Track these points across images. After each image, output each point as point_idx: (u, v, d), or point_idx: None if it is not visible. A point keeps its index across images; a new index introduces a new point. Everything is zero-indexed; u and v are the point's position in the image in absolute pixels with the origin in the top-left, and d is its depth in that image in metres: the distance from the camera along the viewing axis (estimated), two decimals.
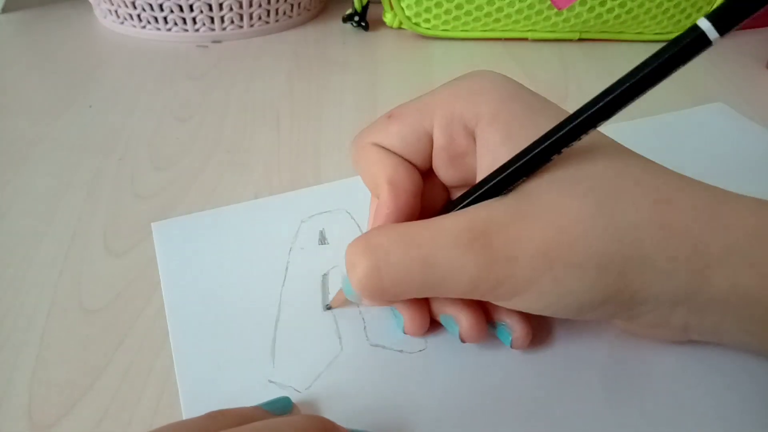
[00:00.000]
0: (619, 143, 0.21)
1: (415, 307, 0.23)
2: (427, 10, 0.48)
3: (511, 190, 0.20)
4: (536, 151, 0.19)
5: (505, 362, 0.23)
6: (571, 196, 0.18)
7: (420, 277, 0.19)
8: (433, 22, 0.49)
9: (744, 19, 0.16)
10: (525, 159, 0.19)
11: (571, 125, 0.18)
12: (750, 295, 0.18)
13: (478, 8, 0.47)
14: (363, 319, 0.25)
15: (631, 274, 0.18)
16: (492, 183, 0.20)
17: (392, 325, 0.24)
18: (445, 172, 0.23)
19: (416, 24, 0.50)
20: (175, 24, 0.50)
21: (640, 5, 0.46)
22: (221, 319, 0.24)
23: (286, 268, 0.27)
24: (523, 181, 0.19)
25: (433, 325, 0.23)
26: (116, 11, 0.51)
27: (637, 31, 0.49)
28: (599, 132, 0.20)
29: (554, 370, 0.22)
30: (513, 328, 0.22)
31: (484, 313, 0.22)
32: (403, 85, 0.44)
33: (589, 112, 0.18)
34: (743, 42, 0.50)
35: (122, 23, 0.51)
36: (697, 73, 0.45)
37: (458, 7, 0.47)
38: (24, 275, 0.27)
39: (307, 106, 0.41)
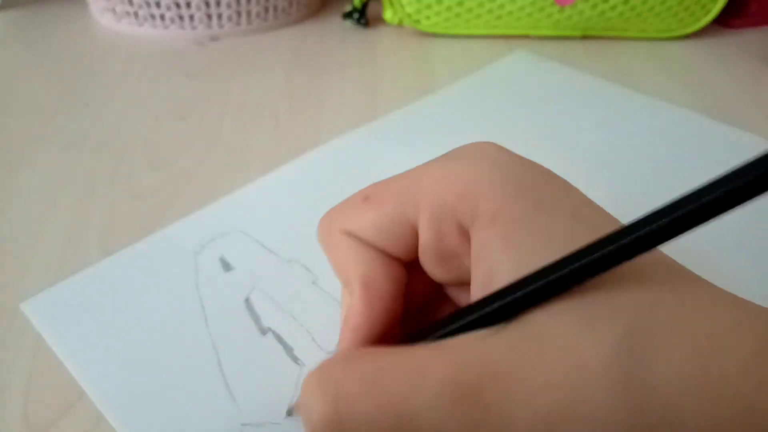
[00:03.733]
0: (664, 257, 0.16)
1: None
2: (428, 6, 0.48)
3: (510, 319, 0.16)
4: (553, 277, 0.14)
5: None
6: (587, 337, 0.14)
7: (386, 420, 0.15)
8: (434, 18, 0.49)
9: None
10: (535, 285, 0.15)
11: (608, 249, 0.13)
12: None
13: (480, 5, 0.47)
14: (307, 330, 0.24)
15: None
16: (488, 311, 0.16)
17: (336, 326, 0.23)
18: (434, 270, 0.18)
19: (417, 21, 0.49)
20: (173, 21, 0.49)
21: (644, 2, 0.46)
22: (157, 383, 0.22)
23: (202, 306, 0.24)
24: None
25: None
26: (113, 9, 0.50)
27: (640, 28, 0.49)
28: None
29: None
30: None
31: None
32: (404, 83, 0.44)
33: (642, 232, 0.13)
34: (747, 40, 0.50)
35: (119, 21, 0.51)
36: (698, 72, 0.45)
37: (459, 3, 0.47)
38: (20, 275, 0.27)
39: (306, 105, 0.41)
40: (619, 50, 0.48)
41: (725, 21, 0.51)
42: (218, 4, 0.49)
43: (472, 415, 0.15)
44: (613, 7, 0.46)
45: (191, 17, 0.49)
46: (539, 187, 0.17)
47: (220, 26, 0.50)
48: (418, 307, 0.19)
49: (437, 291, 0.20)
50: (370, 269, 0.18)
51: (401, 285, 0.18)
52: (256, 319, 0.24)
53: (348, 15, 0.52)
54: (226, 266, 0.26)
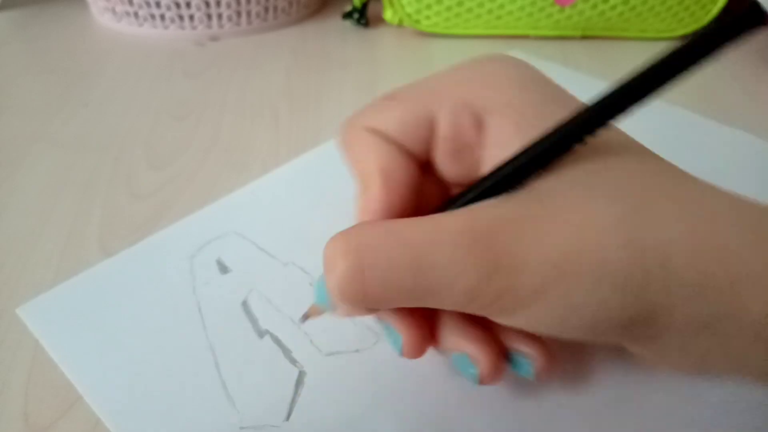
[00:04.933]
0: (646, 147, 0.18)
1: (415, 325, 0.19)
2: (428, 6, 0.48)
3: (520, 188, 0.17)
4: (555, 138, 0.16)
5: None
6: (592, 200, 0.16)
7: (410, 282, 0.16)
8: (434, 18, 0.49)
9: None
10: (540, 149, 0.16)
11: (601, 106, 0.16)
12: None
13: (480, 5, 0.47)
14: (305, 333, 0.23)
15: (654, 292, 0.15)
16: (499, 177, 0.17)
17: (341, 330, 0.23)
18: (447, 166, 0.20)
19: (417, 21, 0.49)
20: (173, 22, 0.49)
21: (644, 2, 0.46)
22: (154, 387, 0.22)
23: (199, 309, 0.24)
24: (536, 178, 0.17)
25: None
26: (113, 9, 0.50)
27: (640, 28, 0.49)
28: (623, 132, 0.18)
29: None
30: (533, 357, 0.19)
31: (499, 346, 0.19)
32: (404, 83, 0.44)
33: (624, 92, 0.15)
34: (746, 40, 0.50)
35: (119, 21, 0.51)
36: (701, 71, 0.45)
37: (459, 3, 0.47)
38: (19, 275, 0.27)
39: (306, 105, 0.41)
40: (619, 50, 0.48)
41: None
42: (218, 4, 0.49)
43: (487, 259, 0.16)
44: (613, 7, 0.46)
45: (191, 17, 0.49)
46: (546, 85, 0.19)
47: (220, 26, 0.50)
48: (425, 213, 0.20)
49: (444, 199, 0.21)
50: (390, 160, 0.19)
51: (416, 181, 0.19)
52: (253, 321, 0.24)
53: (348, 15, 0.52)
54: (223, 269, 0.26)
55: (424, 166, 0.20)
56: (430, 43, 0.50)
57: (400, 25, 0.50)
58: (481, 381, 0.19)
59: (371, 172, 0.19)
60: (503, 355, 0.19)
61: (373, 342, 0.23)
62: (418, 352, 0.19)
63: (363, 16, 0.52)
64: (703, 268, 0.15)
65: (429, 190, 0.21)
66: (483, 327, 0.19)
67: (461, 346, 0.19)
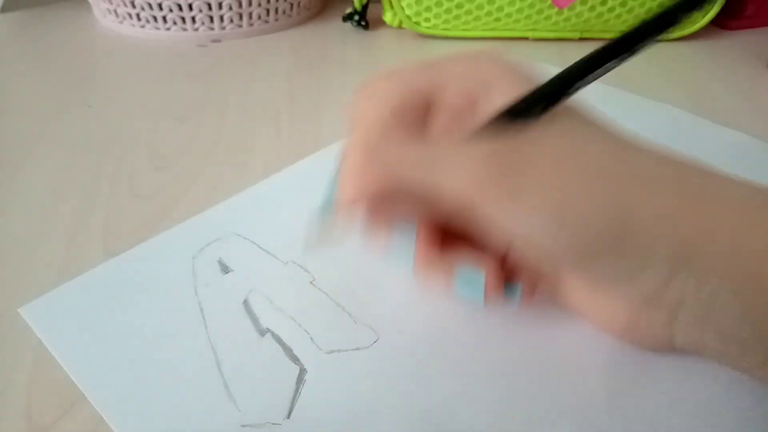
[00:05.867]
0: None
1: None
2: (428, 9, 0.48)
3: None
4: (552, 84, 0.19)
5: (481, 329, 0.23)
6: (584, 125, 0.19)
7: (419, 170, 0.19)
8: (433, 21, 0.49)
9: None
10: (539, 92, 0.19)
11: (590, 59, 0.19)
12: (750, 268, 0.17)
13: (479, 7, 0.47)
14: (305, 331, 0.24)
15: (635, 205, 0.17)
16: (498, 116, 0.20)
17: (342, 328, 0.24)
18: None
19: (416, 23, 0.50)
20: (175, 23, 0.50)
21: (642, 4, 0.46)
22: (157, 385, 0.22)
23: (201, 309, 0.25)
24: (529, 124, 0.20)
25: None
26: (115, 10, 0.50)
27: None
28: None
29: (536, 360, 0.22)
30: (520, 284, 0.22)
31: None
32: None
33: (602, 53, 0.19)
34: (744, 42, 0.50)
35: (121, 22, 0.51)
36: (695, 74, 0.45)
37: (459, 6, 0.47)
38: (22, 275, 0.27)
39: (307, 106, 0.41)
40: None
41: (722, 22, 0.52)
42: (220, 6, 0.49)
43: (492, 153, 0.18)
44: (611, 9, 0.46)
45: (193, 19, 0.50)
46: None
47: (222, 28, 0.51)
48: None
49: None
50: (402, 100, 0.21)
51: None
52: (254, 320, 0.24)
53: (348, 17, 0.52)
54: (224, 269, 0.27)
55: None
56: (429, 45, 0.50)
57: (399, 27, 0.51)
58: (487, 291, 0.21)
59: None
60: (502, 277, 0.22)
61: (374, 340, 0.23)
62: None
63: (363, 19, 0.52)
64: (677, 194, 0.18)
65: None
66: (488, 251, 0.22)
67: (469, 257, 0.22)
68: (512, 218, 0.18)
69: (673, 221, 0.17)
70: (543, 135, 0.19)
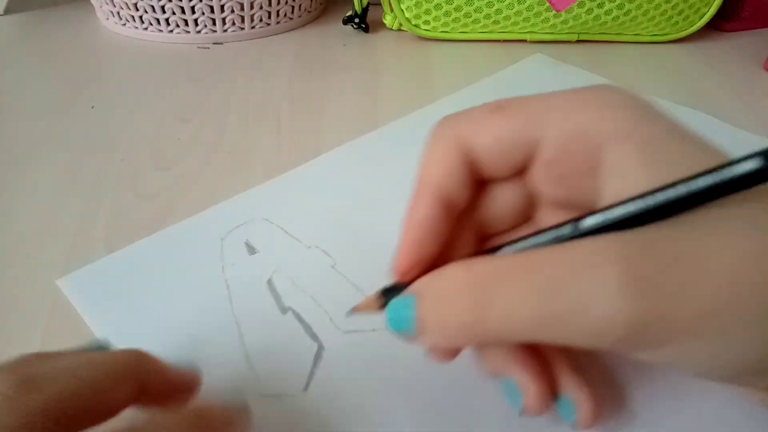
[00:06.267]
0: None
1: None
2: (427, 12, 0.48)
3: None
4: (704, 185, 0.15)
5: None
6: (748, 237, 0.15)
7: (540, 308, 0.15)
8: (432, 24, 0.49)
9: None
10: (694, 189, 0.15)
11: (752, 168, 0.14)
12: None
13: (477, 10, 0.48)
14: (325, 311, 0.25)
15: None
16: (635, 209, 0.15)
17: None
18: (548, 187, 0.19)
19: (416, 26, 0.50)
20: (177, 26, 0.50)
21: (638, 7, 0.47)
22: (183, 357, 0.23)
23: (227, 286, 0.26)
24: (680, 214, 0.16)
25: None
26: (118, 13, 0.51)
27: (634, 32, 0.50)
28: None
29: None
30: (579, 404, 0.19)
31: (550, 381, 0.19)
32: (404, 87, 0.45)
33: None
34: (741, 43, 0.50)
35: (124, 25, 0.52)
36: (692, 76, 0.46)
37: (457, 9, 0.48)
38: (26, 275, 0.28)
39: (308, 108, 0.42)
40: (614, 54, 0.49)
41: (719, 25, 0.52)
42: (222, 9, 0.49)
43: (634, 278, 0.14)
44: (608, 12, 0.47)
45: (195, 21, 0.50)
46: (664, 118, 0.18)
47: (224, 30, 0.51)
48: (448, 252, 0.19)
49: (473, 245, 0.21)
50: (451, 184, 0.19)
51: (460, 213, 0.19)
52: (277, 298, 0.26)
53: (348, 20, 0.53)
54: (251, 250, 0.28)
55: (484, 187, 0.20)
56: (429, 47, 0.50)
57: (399, 30, 0.51)
58: (525, 411, 0.18)
59: (428, 184, 0.19)
60: (553, 391, 0.19)
61: None
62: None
63: (363, 21, 0.52)
64: None
65: (461, 233, 0.20)
66: (538, 356, 0.19)
67: (512, 371, 0.19)
68: (657, 359, 0.15)
69: None
70: (700, 238, 0.15)
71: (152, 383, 0.18)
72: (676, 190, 0.15)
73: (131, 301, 0.26)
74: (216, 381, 0.22)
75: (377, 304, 0.19)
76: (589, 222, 0.16)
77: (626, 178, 0.17)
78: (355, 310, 0.20)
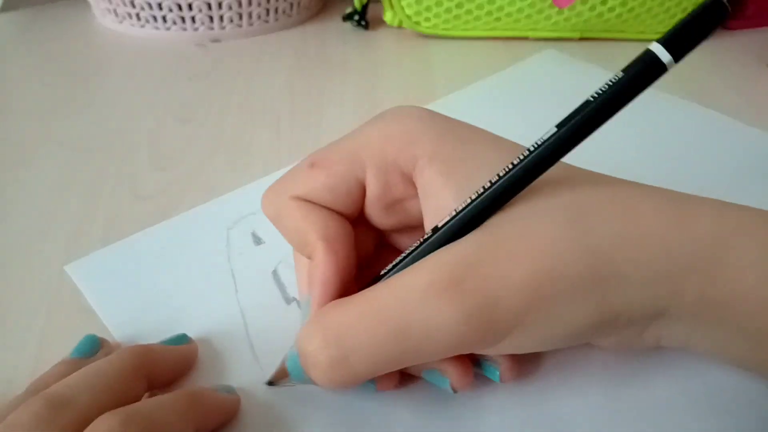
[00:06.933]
0: (577, 168, 0.20)
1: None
2: (428, 8, 0.48)
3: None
4: (495, 192, 0.18)
5: None
6: (539, 221, 0.17)
7: (397, 351, 0.17)
8: (433, 20, 0.49)
9: (698, 44, 0.16)
10: (483, 201, 0.18)
11: (530, 163, 0.17)
12: (716, 309, 0.17)
13: (479, 7, 0.47)
14: None
15: (612, 294, 0.17)
16: (446, 228, 0.18)
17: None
18: (380, 219, 0.21)
19: (416, 23, 0.50)
20: (174, 23, 0.50)
21: (642, 4, 0.46)
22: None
23: (233, 276, 0.26)
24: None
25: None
26: (115, 10, 0.50)
27: (638, 30, 0.49)
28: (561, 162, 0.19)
29: (546, 395, 0.22)
30: (498, 362, 0.20)
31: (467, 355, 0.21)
32: (404, 84, 0.44)
33: (550, 148, 0.17)
34: (745, 41, 0.50)
35: (121, 22, 0.51)
36: (696, 73, 0.45)
37: (459, 5, 0.47)
38: (24, 275, 0.27)
39: (307, 105, 0.41)
40: (617, 52, 0.48)
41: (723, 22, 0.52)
42: (220, 5, 0.49)
43: (461, 304, 0.16)
44: (611, 9, 0.46)
45: (193, 19, 0.50)
46: (461, 129, 0.20)
47: (222, 28, 0.50)
48: (361, 262, 0.21)
49: (375, 246, 0.23)
50: (327, 226, 0.20)
51: (352, 238, 0.21)
52: (282, 289, 0.26)
53: (348, 17, 0.52)
54: (257, 240, 0.28)
55: (354, 220, 0.21)
56: (429, 44, 0.50)
57: (399, 27, 0.51)
58: (455, 388, 0.20)
59: (313, 243, 0.20)
60: (470, 364, 0.20)
61: None
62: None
63: (363, 18, 0.52)
64: (645, 263, 0.17)
65: (362, 239, 0.22)
66: None
67: (431, 364, 0.20)
68: (501, 351, 0.18)
69: (644, 289, 0.17)
70: (502, 242, 0.17)
71: (158, 373, 0.20)
72: (480, 201, 0.18)
73: (138, 288, 0.26)
74: (221, 369, 0.23)
75: (287, 372, 0.20)
76: (421, 247, 0.19)
77: (438, 197, 0.19)
78: (269, 383, 0.21)
